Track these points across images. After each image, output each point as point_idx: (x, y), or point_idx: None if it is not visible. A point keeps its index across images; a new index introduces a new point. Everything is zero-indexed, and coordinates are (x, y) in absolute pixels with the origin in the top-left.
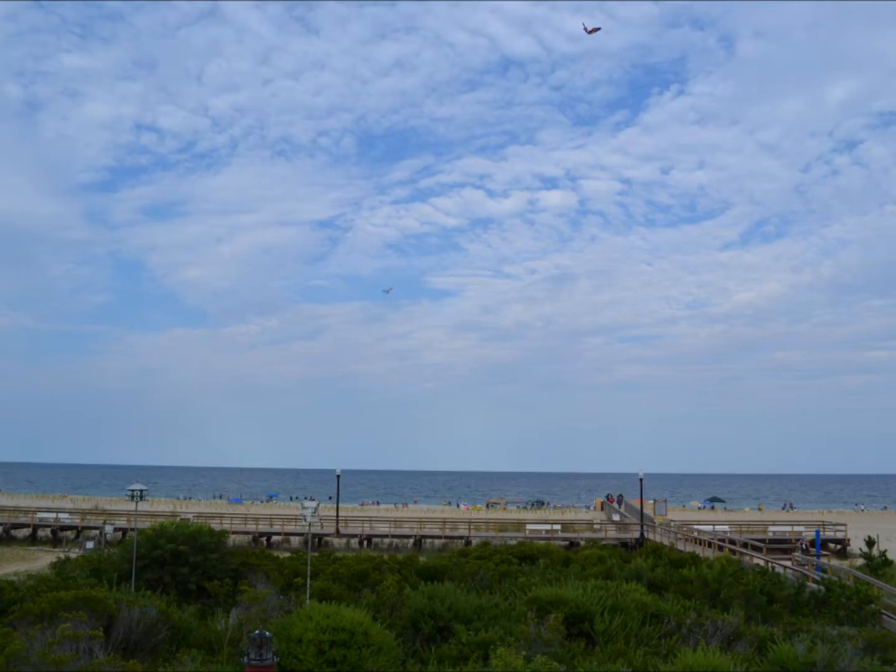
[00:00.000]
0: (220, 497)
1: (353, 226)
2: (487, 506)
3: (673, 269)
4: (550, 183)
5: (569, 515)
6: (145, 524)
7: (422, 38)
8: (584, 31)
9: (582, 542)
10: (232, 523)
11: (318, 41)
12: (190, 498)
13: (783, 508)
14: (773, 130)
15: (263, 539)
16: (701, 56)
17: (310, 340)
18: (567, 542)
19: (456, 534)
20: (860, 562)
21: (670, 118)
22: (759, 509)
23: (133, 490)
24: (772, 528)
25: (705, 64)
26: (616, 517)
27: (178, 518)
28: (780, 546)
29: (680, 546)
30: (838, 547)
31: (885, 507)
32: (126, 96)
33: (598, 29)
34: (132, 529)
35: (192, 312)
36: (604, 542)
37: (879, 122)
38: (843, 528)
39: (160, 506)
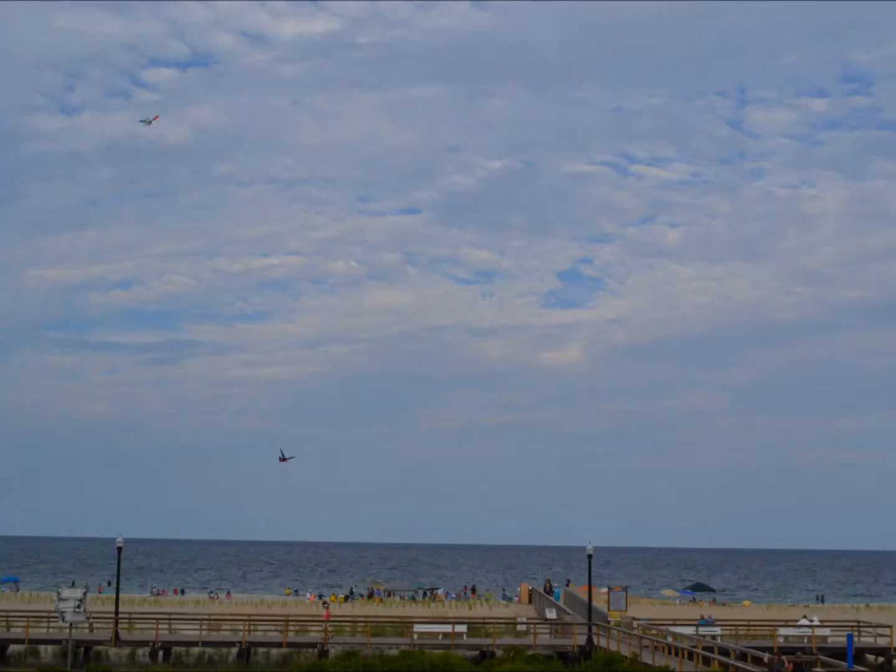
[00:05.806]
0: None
1: None
2: (370, 595)
3: None
4: None
5: (479, 611)
6: None
7: None
8: None
9: (499, 652)
10: None
11: None
12: None
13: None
14: None
15: None
16: None
17: None
18: (476, 652)
19: (306, 640)
20: None
21: None
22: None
23: None
24: (783, 632)
25: None
26: (551, 614)
27: None
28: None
29: (647, 658)
30: (881, 659)
31: None
32: None
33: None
34: None
35: None
36: (532, 652)
37: None
38: (886, 631)
39: None
